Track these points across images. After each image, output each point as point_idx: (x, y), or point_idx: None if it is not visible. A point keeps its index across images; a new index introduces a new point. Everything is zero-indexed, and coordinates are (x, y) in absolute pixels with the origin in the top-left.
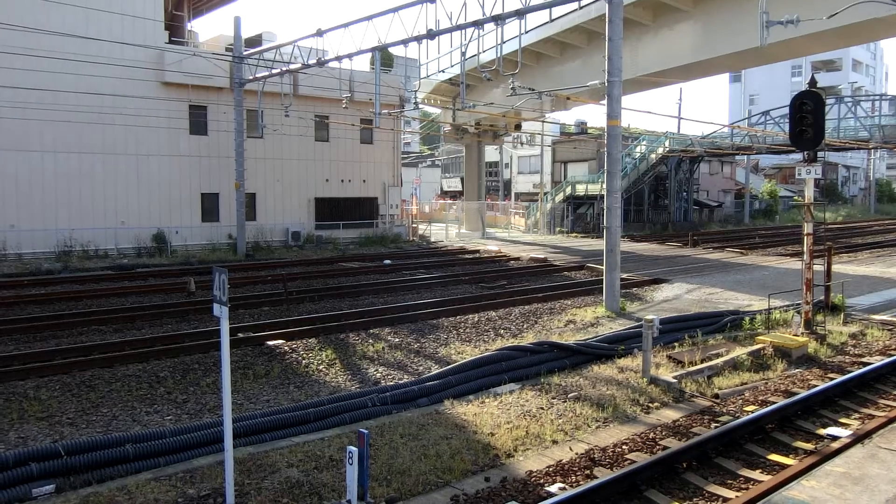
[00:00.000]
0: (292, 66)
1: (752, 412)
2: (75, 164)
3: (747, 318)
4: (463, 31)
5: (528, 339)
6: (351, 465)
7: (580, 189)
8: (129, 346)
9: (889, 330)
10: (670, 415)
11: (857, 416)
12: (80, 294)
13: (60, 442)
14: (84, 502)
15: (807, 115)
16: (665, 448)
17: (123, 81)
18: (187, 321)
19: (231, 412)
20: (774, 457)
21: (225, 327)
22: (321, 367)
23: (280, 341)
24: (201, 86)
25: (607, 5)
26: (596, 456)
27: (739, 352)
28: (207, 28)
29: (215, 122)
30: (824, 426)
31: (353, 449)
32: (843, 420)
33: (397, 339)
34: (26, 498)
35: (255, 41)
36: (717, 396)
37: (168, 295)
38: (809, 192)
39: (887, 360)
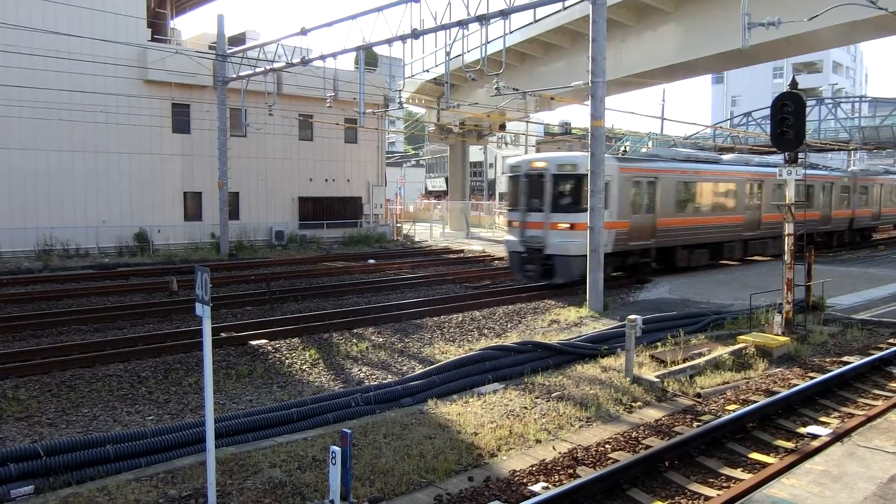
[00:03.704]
0: (276, 65)
1: (734, 411)
2: (55, 162)
3: (729, 318)
4: (447, 30)
5: (512, 338)
6: (334, 465)
7: None
8: (111, 346)
9: (868, 329)
10: (653, 414)
11: (836, 414)
12: (61, 293)
13: (40, 442)
14: (63, 503)
15: (788, 116)
16: (648, 447)
17: (105, 79)
18: (169, 321)
19: (213, 412)
20: (756, 455)
21: (207, 327)
22: (304, 366)
23: (263, 341)
24: (184, 84)
25: (591, 6)
26: (579, 455)
27: (721, 351)
28: (190, 26)
29: (198, 120)
30: (805, 425)
31: (336, 449)
32: (823, 419)
33: (381, 339)
34: (5, 499)
35: (238, 39)
36: (699, 395)
37: (150, 294)
38: (790, 193)
39: (866, 359)
